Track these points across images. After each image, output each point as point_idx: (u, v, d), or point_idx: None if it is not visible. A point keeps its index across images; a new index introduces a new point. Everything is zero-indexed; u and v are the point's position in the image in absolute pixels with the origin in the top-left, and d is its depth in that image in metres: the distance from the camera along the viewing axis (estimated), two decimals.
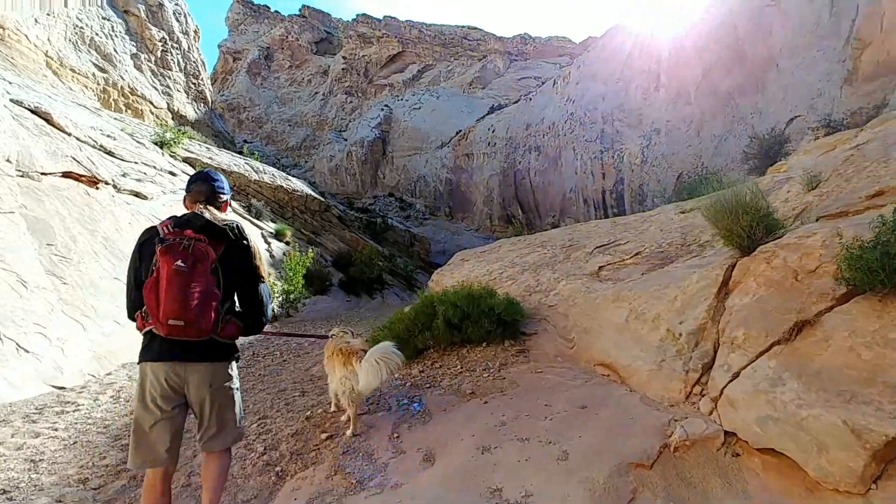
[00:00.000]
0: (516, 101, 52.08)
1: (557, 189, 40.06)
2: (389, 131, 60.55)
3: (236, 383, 2.53)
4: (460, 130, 55.53)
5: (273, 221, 19.39)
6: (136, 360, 2.40)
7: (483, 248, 10.10)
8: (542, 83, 52.54)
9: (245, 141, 56.52)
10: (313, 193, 24.51)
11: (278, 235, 18.00)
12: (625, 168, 30.87)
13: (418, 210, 56.15)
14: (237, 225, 2.47)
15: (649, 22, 30.49)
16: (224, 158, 20.26)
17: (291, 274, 13.28)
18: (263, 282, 2.55)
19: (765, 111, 17.54)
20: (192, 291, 2.18)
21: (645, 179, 28.38)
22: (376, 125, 59.92)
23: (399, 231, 34.10)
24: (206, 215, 2.41)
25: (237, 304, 2.51)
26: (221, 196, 2.62)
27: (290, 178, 24.40)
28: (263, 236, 17.25)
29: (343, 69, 64.78)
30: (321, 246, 21.24)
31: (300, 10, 73.57)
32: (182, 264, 2.18)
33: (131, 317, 2.37)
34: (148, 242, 2.34)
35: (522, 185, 45.98)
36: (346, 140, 61.02)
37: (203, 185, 2.58)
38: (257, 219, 18.38)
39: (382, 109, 61.36)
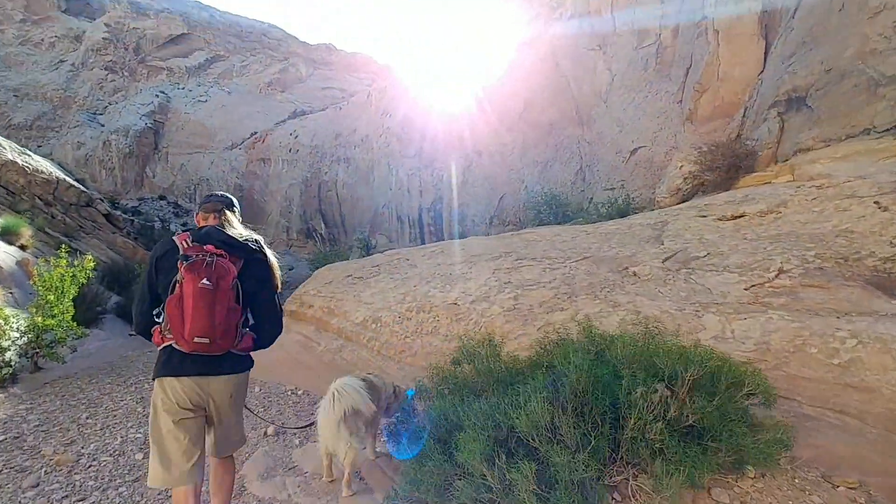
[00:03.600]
0: (323, 109, 49.16)
1: (368, 204, 38.44)
2: (165, 123, 51.02)
3: (246, 393, 2.56)
4: (256, 132, 49.86)
5: None
6: (152, 376, 2.35)
7: (374, 262, 7.55)
8: (352, 95, 50.77)
9: None
10: (69, 180, 17.74)
11: (7, 234, 11.91)
12: (444, 187, 30.77)
13: None
14: (256, 239, 2.53)
15: (474, 48, 31.43)
16: None
17: (52, 297, 8.10)
18: (278, 294, 2.57)
19: (595, 141, 18.62)
20: (217, 309, 2.20)
21: (465, 200, 28.57)
22: (148, 113, 49.86)
23: None
24: (228, 230, 2.45)
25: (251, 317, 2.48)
26: (236, 207, 2.70)
27: (29, 153, 17.21)
28: None
29: (105, 38, 52.58)
30: (80, 254, 15.16)
31: None
32: (207, 282, 2.17)
33: (140, 331, 2.38)
34: (166, 257, 2.32)
35: (328, 197, 43.11)
36: (103, 126, 49.11)
37: (220, 197, 2.66)
38: None
39: (158, 96, 51.47)
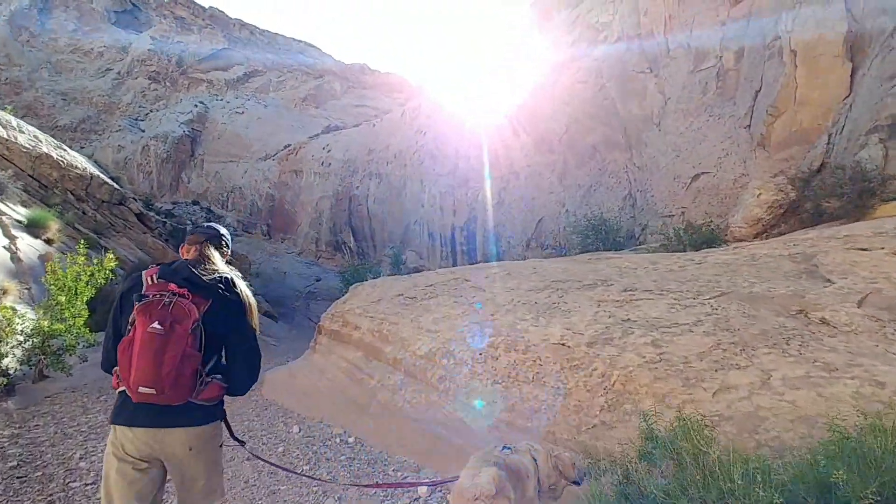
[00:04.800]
0: (357, 125, 49.23)
1: (399, 219, 37.90)
2: (203, 132, 51.74)
3: (217, 446, 2.30)
4: (290, 145, 50.11)
5: (25, 206, 12.51)
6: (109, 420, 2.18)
7: (426, 280, 6.62)
8: (385, 113, 50.82)
9: None
10: (102, 176, 17.46)
11: (34, 226, 11.42)
12: (479, 206, 29.98)
13: (229, 224, 48.28)
14: (228, 278, 2.30)
15: (508, 68, 30.95)
16: None
17: (63, 299, 7.25)
18: (255, 338, 2.33)
19: (646, 166, 17.61)
20: (166, 357, 1.99)
21: (501, 220, 27.68)
22: (187, 122, 50.67)
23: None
24: (200, 267, 2.25)
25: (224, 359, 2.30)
26: (223, 242, 2.51)
27: (65, 148, 17.00)
28: (2, 225, 10.66)
29: (150, 50, 54.00)
30: (108, 252, 14.69)
31: None
32: (158, 326, 1.98)
33: (105, 369, 2.26)
34: (131, 292, 2.17)
35: (358, 211, 42.72)
36: (143, 132, 50.06)
37: (204, 229, 2.48)
38: None
39: (197, 106, 52.34)
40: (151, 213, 26.63)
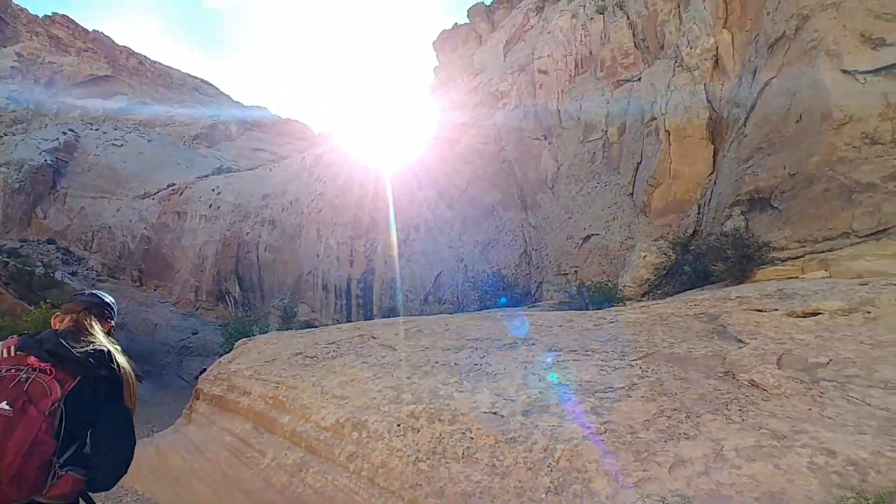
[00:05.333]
0: (253, 168, 47.14)
1: (291, 269, 36.09)
2: (70, 162, 46.33)
3: None
4: (174, 184, 46.39)
5: None
6: None
7: (327, 337, 6.02)
8: (283, 158, 49.39)
9: None
10: None
11: None
12: (377, 258, 29.54)
13: (92, 268, 42.90)
14: (104, 351, 1.97)
15: (412, 125, 31.88)
16: None
17: None
18: (130, 422, 2.01)
19: (541, 226, 18.50)
20: (11, 444, 1.65)
21: (399, 273, 27.38)
22: (50, 149, 45.11)
23: (70, 290, 23.69)
24: (71, 339, 1.95)
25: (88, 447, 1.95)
26: (105, 311, 2.24)
27: None
28: None
29: (13, 67, 48.08)
30: None
31: None
32: (7, 407, 1.68)
33: None
34: None
35: (247, 258, 40.11)
36: None
37: (85, 296, 2.23)
38: None
39: (65, 133, 47.02)
40: None
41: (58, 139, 46.09)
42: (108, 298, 2.34)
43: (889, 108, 8.22)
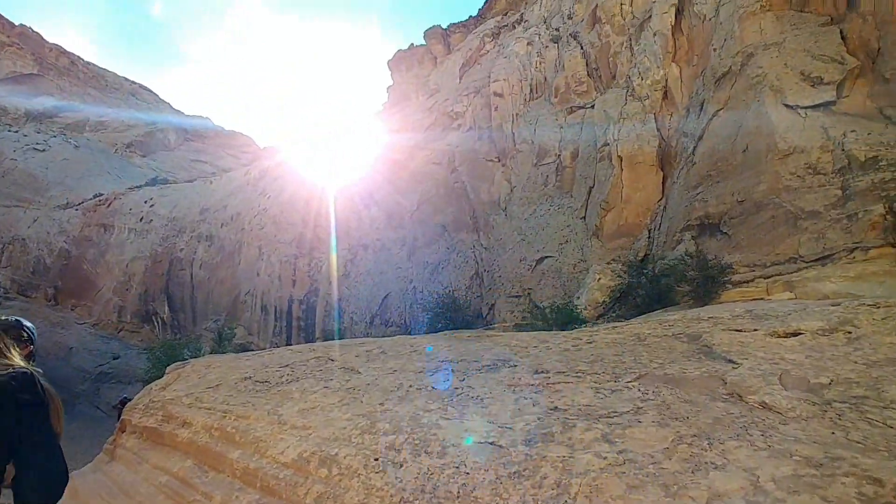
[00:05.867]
0: (192, 181, 44.86)
1: (229, 288, 34.20)
2: None
3: None
4: (102, 194, 43.28)
5: None
6: None
7: (279, 360, 5.43)
8: (226, 171, 47.37)
9: None
10: None
11: None
12: (322, 279, 28.57)
13: (0, 284, 38.95)
14: (24, 374, 1.85)
15: (363, 142, 31.50)
16: None
17: None
18: (58, 446, 1.93)
19: (493, 247, 18.49)
20: None
21: (345, 294, 26.58)
22: None
23: None
24: None
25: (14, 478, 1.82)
26: (25, 335, 2.22)
27: None
28: None
29: None
30: None
31: None
32: None
33: None
34: None
35: (180, 276, 37.76)
36: None
37: (1, 321, 2.17)
38: None
39: None
40: None
41: None
42: (27, 322, 2.30)
43: (829, 141, 8.77)
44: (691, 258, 9.05)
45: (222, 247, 35.59)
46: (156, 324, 37.83)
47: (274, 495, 3.22)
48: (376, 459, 2.90)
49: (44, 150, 44.67)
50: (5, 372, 1.85)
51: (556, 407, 3.01)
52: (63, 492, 1.93)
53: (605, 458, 2.29)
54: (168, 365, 13.94)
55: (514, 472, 2.38)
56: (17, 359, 1.98)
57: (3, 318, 2.20)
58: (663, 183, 13.93)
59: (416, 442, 2.91)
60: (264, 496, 3.29)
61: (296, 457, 3.32)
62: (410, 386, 3.85)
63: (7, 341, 2.04)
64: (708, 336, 4.20)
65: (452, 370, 4.08)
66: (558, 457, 2.38)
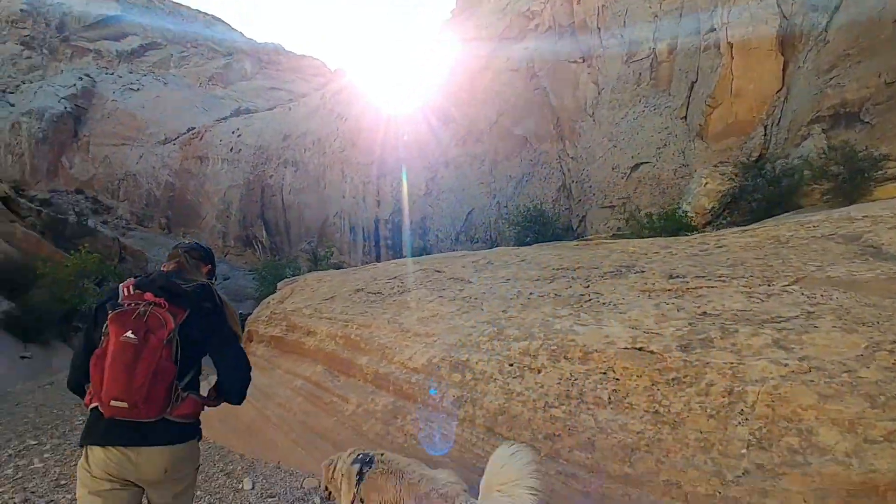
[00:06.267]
0: (271, 108, 45.93)
1: (318, 212, 35.70)
2: (89, 109, 45.68)
3: (194, 468, 2.23)
4: (194, 128, 45.67)
5: None
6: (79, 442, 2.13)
7: (386, 272, 5.53)
8: (301, 97, 47.94)
9: None
10: None
11: None
12: (405, 198, 28.86)
13: (121, 216, 43.28)
14: (205, 285, 2.26)
15: (435, 54, 30.10)
16: None
17: None
18: (238, 344, 2.33)
19: (581, 157, 17.51)
20: (139, 368, 1.90)
21: (428, 212, 26.78)
22: (69, 96, 44.41)
23: (103, 238, 23.80)
24: (177, 277, 2.23)
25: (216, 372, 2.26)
26: (203, 255, 2.51)
27: None
28: None
29: (23, 10, 46.75)
30: None
31: None
32: (132, 336, 1.92)
33: (72, 388, 2.16)
34: (107, 304, 2.07)
35: (272, 202, 39.85)
36: (13, 106, 43.09)
37: (185, 244, 2.50)
38: None
39: (81, 79, 46.09)
40: (22, 200, 22.58)
41: (75, 85, 45.31)
42: (207, 246, 2.59)
43: None
44: (834, 151, 7.90)
45: (308, 171, 36.83)
46: (256, 247, 40.81)
47: (408, 398, 3.36)
48: (511, 365, 2.87)
49: (138, 90, 47.30)
50: (190, 285, 2.16)
51: (706, 312, 2.76)
52: (249, 377, 2.26)
53: (785, 364, 2.05)
54: (273, 283, 15.00)
55: (673, 379, 2.22)
56: (200, 276, 2.34)
57: (185, 242, 2.49)
58: (784, 70, 12.14)
59: (553, 348, 2.82)
60: (398, 399, 3.45)
61: (425, 362, 3.39)
62: (531, 294, 3.74)
63: (191, 262, 2.37)
64: (872, 235, 3.65)
65: (573, 278, 3.90)
66: (725, 363, 2.18)
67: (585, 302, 3.29)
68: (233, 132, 43.04)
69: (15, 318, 9.97)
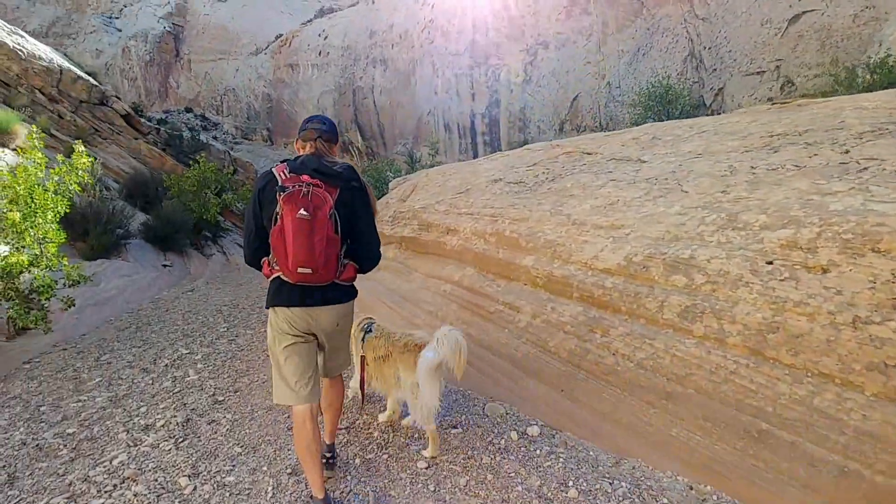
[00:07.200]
0: (355, 4, 43.95)
1: (410, 111, 34.78)
2: (185, 27, 46.87)
3: (352, 321, 2.67)
4: (281, 34, 45.38)
5: None
6: (265, 304, 2.46)
7: (522, 159, 4.75)
8: None
9: None
10: (76, 70, 14.95)
11: None
12: (501, 88, 26.95)
13: (227, 132, 45.51)
14: (349, 167, 2.47)
15: None
16: None
17: (16, 216, 4.96)
18: (373, 220, 2.56)
19: (713, 16, 14.68)
20: (315, 240, 2.19)
21: (528, 102, 24.87)
22: (165, 15, 45.69)
23: (216, 151, 25.06)
24: (324, 159, 2.42)
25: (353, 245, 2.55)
26: (333, 136, 2.61)
27: (22, 34, 14.24)
28: None
29: None
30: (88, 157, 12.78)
31: None
32: (305, 213, 2.18)
33: (249, 262, 2.48)
34: (267, 188, 2.32)
35: (364, 105, 39.38)
36: (120, 31, 45.30)
37: (316, 125, 2.54)
38: None
39: None
40: (142, 119, 24.07)
41: (169, 2, 46.23)
42: (330, 119, 2.57)
43: None
44: None
45: (397, 69, 35.49)
46: (353, 152, 41.35)
47: (606, 308, 2.73)
48: (770, 262, 2.13)
49: (224, 1, 47.31)
50: (339, 166, 2.33)
51: None
52: (379, 255, 2.53)
53: None
54: (375, 186, 14.78)
55: None
56: (336, 156, 2.48)
57: (313, 122, 2.48)
58: None
59: (848, 236, 2.01)
60: (591, 308, 2.83)
61: (622, 261, 2.73)
62: (752, 167, 2.84)
63: (325, 143, 2.44)
64: None
65: (809, 143, 2.91)
66: None
67: (859, 172, 2.37)
68: (319, 34, 42.16)
69: (153, 228, 10.69)
